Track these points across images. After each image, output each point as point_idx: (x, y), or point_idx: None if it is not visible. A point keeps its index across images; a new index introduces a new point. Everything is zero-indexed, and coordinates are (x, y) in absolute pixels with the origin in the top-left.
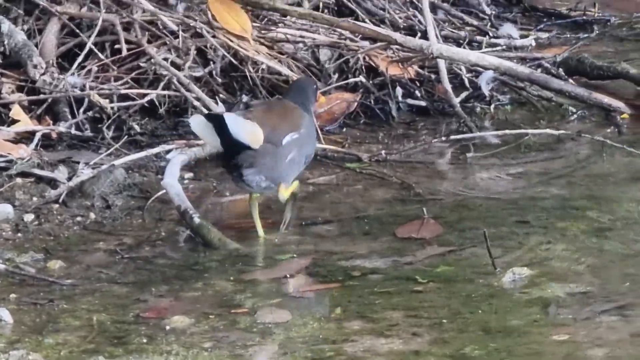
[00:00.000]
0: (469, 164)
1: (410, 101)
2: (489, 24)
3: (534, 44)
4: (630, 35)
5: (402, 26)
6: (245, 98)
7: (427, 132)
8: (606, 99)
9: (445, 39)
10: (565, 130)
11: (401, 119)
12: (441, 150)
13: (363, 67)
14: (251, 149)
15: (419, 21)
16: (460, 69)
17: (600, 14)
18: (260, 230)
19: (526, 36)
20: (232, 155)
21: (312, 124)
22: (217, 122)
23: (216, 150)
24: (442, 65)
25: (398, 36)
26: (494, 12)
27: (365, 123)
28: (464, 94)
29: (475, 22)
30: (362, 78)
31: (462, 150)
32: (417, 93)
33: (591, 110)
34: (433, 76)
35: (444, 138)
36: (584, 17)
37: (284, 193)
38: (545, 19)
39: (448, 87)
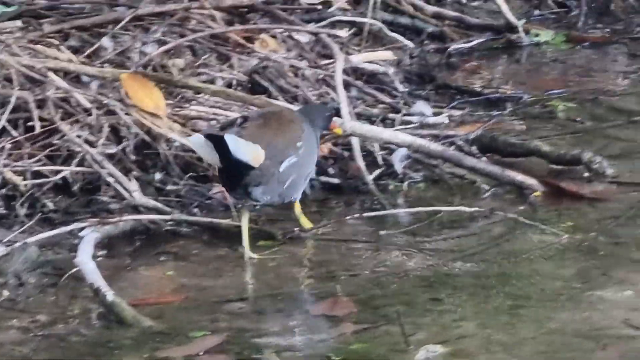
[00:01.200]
0: (383, 241)
1: (323, 178)
2: (402, 101)
3: (447, 121)
4: (542, 112)
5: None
6: (158, 176)
7: (340, 209)
8: (519, 177)
9: (359, 116)
10: (479, 208)
11: (315, 197)
12: (355, 228)
13: None
14: (253, 167)
15: (332, 98)
16: (374, 147)
17: (513, 92)
18: (246, 242)
19: (439, 113)
20: (235, 174)
21: (312, 138)
22: (218, 143)
23: (215, 168)
24: (355, 142)
25: None
26: (407, 90)
27: None
28: (377, 172)
29: (388, 100)
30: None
31: (375, 228)
32: (331, 170)
33: (504, 187)
34: (346, 153)
35: (357, 215)
36: (497, 95)
37: (297, 208)
38: (458, 97)
39: (361, 164)
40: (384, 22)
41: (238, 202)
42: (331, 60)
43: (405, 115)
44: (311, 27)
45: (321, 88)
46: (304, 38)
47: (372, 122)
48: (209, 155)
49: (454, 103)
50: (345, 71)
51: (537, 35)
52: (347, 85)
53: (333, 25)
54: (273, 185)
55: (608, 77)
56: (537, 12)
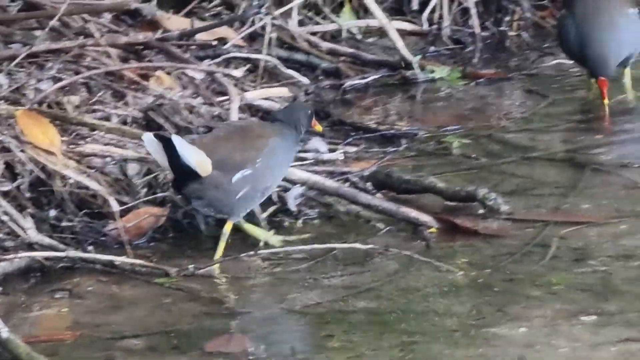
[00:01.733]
0: (278, 278)
1: (218, 215)
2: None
3: (342, 157)
4: (437, 149)
5: None
6: (53, 213)
7: (235, 245)
8: (413, 213)
9: None
10: (373, 245)
11: (209, 233)
12: (250, 264)
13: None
14: (198, 176)
15: None
16: None
17: (408, 128)
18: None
19: (334, 150)
20: (180, 184)
21: (279, 150)
22: (166, 144)
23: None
24: None
25: None
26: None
27: (174, 237)
28: (271, 209)
29: None
30: (170, 192)
31: (271, 264)
32: None
33: (399, 224)
34: None
35: (252, 253)
36: (392, 131)
37: (227, 228)
38: (353, 133)
39: None
40: (279, 58)
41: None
42: (226, 97)
43: (300, 151)
44: (206, 64)
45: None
46: (199, 75)
47: None
48: (160, 158)
49: (349, 139)
50: (240, 108)
51: (432, 71)
52: None
53: (228, 61)
54: (220, 198)
55: (502, 113)
56: (432, 48)
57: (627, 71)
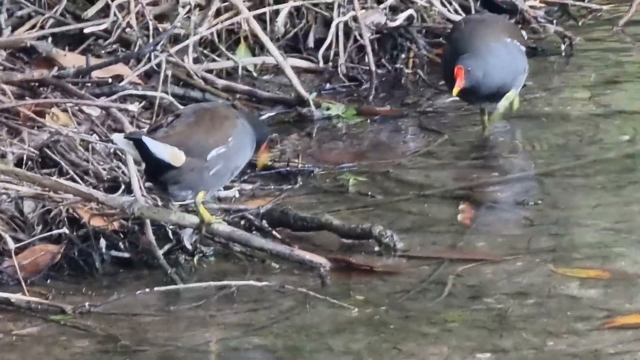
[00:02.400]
0: (174, 315)
1: (114, 253)
2: None
3: (237, 195)
4: (333, 186)
5: (106, 178)
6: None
7: (131, 283)
8: (308, 256)
9: (150, 189)
10: (269, 282)
11: (105, 271)
12: (146, 302)
13: (67, 218)
14: (174, 167)
15: (123, 172)
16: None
17: (303, 165)
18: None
19: (230, 187)
20: (156, 173)
21: (246, 134)
22: (138, 144)
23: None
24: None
25: (100, 195)
26: None
27: (70, 275)
28: (167, 246)
29: None
30: (65, 230)
31: (167, 302)
32: (122, 245)
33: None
34: (137, 227)
35: (147, 290)
36: (288, 169)
37: (200, 197)
38: (249, 170)
39: (152, 239)
40: (175, 95)
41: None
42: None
43: None
44: (102, 100)
45: (112, 162)
46: (94, 112)
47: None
48: (133, 152)
49: (245, 177)
50: None
51: (328, 108)
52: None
53: (125, 99)
54: (195, 179)
55: (398, 151)
56: (328, 85)
57: (511, 94)
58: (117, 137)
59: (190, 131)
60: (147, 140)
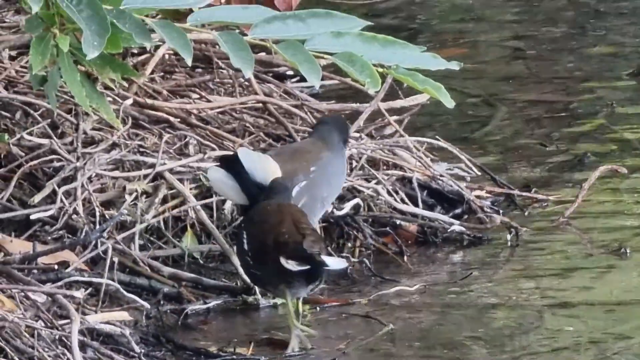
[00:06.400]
0: None
1: None
2: None
3: None
4: None
5: None
6: None
7: None
8: None
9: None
10: None
11: None
12: None
13: None
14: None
15: (69, 359)
16: None
17: (252, 355)
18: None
19: None
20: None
21: (335, 161)
22: (231, 165)
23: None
24: None
25: None
26: (143, 351)
27: None
28: None
29: None
30: None
31: None
32: None
33: None
34: None
35: None
36: (234, 357)
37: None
38: (195, 358)
39: None
40: (121, 282)
41: None
42: (67, 321)
43: None
44: (47, 287)
45: (57, 349)
46: (40, 298)
47: None
48: (229, 189)
49: None
50: (81, 332)
51: (274, 297)
52: (83, 346)
53: (71, 285)
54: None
55: (342, 341)
56: None
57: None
58: (212, 172)
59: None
60: (242, 152)
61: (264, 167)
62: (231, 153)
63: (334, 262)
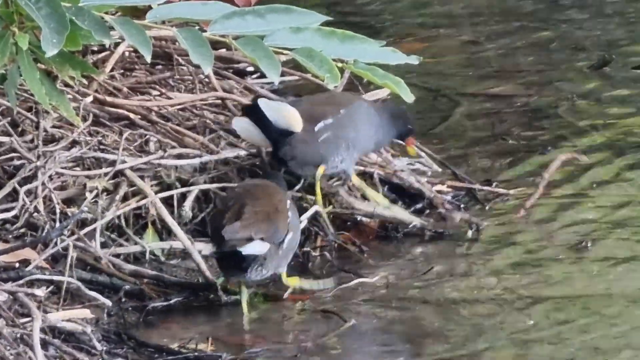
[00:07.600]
0: None
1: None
2: (101, 359)
3: None
4: None
5: None
6: None
7: None
8: None
9: None
10: None
11: None
12: None
13: None
14: (290, 134)
15: (30, 358)
16: None
17: (212, 351)
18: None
19: None
20: (276, 150)
21: (369, 110)
22: (254, 113)
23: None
24: None
25: None
26: (105, 348)
27: None
28: None
29: (86, 358)
30: None
31: None
32: None
33: None
34: None
35: None
36: (196, 354)
37: (320, 172)
38: (156, 355)
39: None
40: (82, 280)
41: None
42: (29, 319)
43: None
44: (9, 285)
45: (19, 347)
46: (1, 296)
47: None
48: (255, 135)
49: None
50: (43, 330)
51: (236, 293)
52: (44, 344)
53: (32, 283)
54: (307, 151)
55: (303, 342)
56: None
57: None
58: (237, 122)
59: (303, 106)
60: (261, 102)
61: (284, 115)
62: (251, 103)
63: (251, 247)
